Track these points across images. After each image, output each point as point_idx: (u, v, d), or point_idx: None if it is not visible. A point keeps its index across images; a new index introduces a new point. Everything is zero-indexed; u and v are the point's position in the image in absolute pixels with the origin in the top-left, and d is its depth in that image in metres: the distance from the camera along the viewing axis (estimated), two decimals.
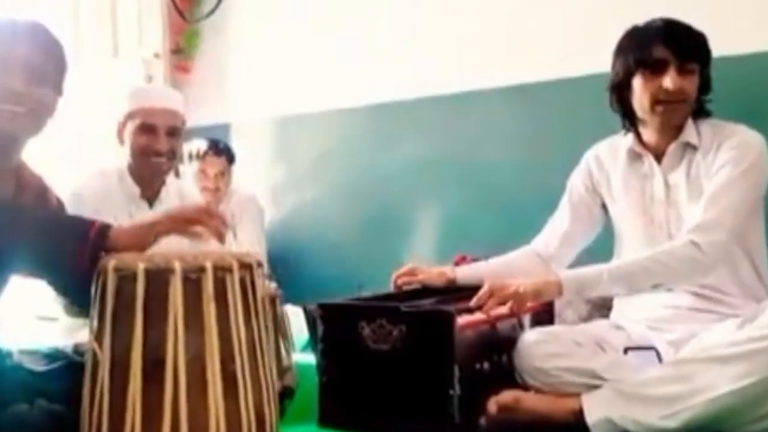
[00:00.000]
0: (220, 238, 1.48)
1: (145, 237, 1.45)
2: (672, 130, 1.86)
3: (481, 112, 2.89)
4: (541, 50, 2.72)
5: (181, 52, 3.66)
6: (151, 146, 2.10)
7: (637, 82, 1.83)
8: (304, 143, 3.37)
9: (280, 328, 1.67)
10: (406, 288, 2.05)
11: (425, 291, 2.02)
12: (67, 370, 1.47)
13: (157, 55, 3.58)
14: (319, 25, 3.30)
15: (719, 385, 1.54)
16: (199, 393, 1.22)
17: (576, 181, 2.05)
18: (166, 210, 1.72)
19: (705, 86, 1.86)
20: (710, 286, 1.80)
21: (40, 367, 1.51)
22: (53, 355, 1.55)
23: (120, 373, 1.23)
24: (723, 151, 1.78)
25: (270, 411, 1.34)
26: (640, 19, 1.89)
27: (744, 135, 1.80)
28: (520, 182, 2.76)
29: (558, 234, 2.05)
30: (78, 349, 1.55)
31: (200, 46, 3.69)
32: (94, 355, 1.27)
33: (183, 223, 1.48)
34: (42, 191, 1.62)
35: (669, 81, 1.78)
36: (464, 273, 2.09)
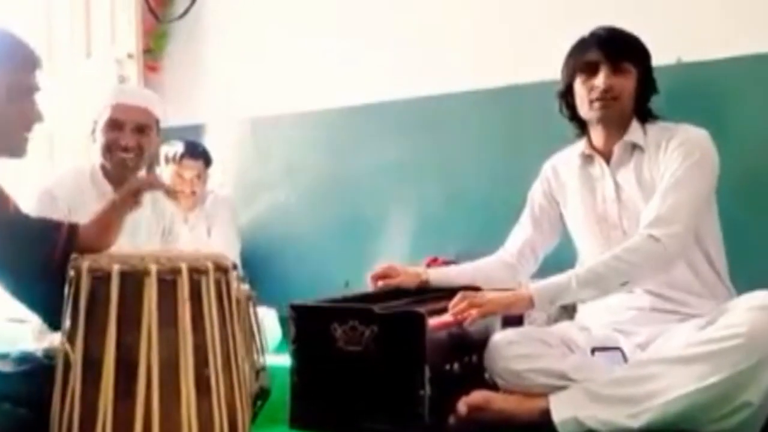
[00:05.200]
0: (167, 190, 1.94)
1: (113, 223, 1.57)
2: (616, 131, 1.92)
3: (455, 114, 2.92)
4: (515, 53, 2.75)
5: (150, 52, 3.65)
6: (117, 141, 2.11)
7: (577, 86, 1.94)
8: (278, 144, 3.37)
9: (253, 329, 1.69)
10: (379, 289, 2.07)
11: (395, 292, 2.03)
12: (36, 374, 1.45)
13: (130, 56, 3.56)
14: (293, 27, 3.31)
15: (682, 384, 1.58)
16: (172, 396, 1.22)
17: (536, 192, 2.12)
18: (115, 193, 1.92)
19: (647, 88, 1.93)
20: (671, 287, 1.84)
21: (7, 369, 1.49)
22: (22, 359, 1.54)
23: (92, 375, 1.23)
24: (670, 149, 1.84)
25: (242, 413, 1.35)
26: (610, 22, 1.96)
27: (689, 132, 1.87)
28: (493, 185, 2.79)
29: (520, 243, 2.11)
30: (48, 353, 1.53)
31: (169, 46, 3.68)
32: (66, 357, 1.27)
33: (134, 193, 1.66)
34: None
35: (599, 79, 1.88)
36: (436, 275, 2.13)
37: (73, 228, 1.49)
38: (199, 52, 3.61)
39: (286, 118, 3.33)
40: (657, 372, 1.63)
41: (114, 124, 2.12)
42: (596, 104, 1.89)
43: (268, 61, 3.35)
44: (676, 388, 1.59)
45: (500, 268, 2.11)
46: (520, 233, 2.12)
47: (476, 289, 1.94)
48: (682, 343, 1.67)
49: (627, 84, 1.88)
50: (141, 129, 2.13)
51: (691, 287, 1.85)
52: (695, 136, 1.85)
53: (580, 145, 2.00)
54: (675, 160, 1.82)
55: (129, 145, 2.11)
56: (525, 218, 2.12)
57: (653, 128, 1.92)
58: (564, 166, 2.06)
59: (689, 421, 1.59)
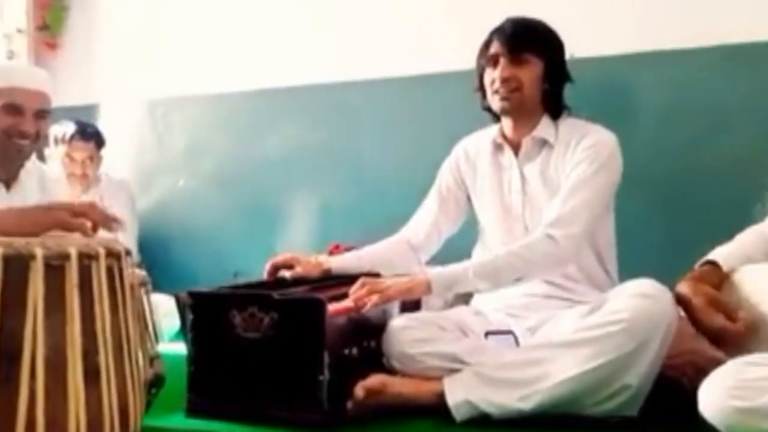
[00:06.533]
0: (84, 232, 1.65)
1: (14, 219, 1.45)
2: (525, 124, 1.98)
3: (358, 102, 2.94)
4: (421, 44, 2.80)
5: (47, 28, 3.48)
6: (17, 127, 2.02)
7: (485, 78, 2.00)
8: (177, 127, 3.30)
9: (148, 316, 1.65)
10: (281, 278, 2.06)
11: (295, 279, 2.03)
12: None
13: (20, 31, 3.39)
14: (196, 6, 3.24)
15: (569, 368, 1.65)
16: (58, 388, 1.17)
17: (445, 172, 2.15)
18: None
19: (554, 80, 1.98)
20: (564, 277, 1.92)
21: None
22: None
23: None
24: (579, 150, 1.90)
25: (134, 403, 1.31)
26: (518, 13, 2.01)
27: (599, 134, 1.93)
28: (395, 172, 2.83)
29: (426, 223, 2.14)
30: None
31: (68, 22, 3.53)
32: None
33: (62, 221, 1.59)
34: None
35: (498, 70, 1.94)
36: (338, 263, 2.12)
37: None
38: (95, 29, 3.48)
39: (186, 100, 3.26)
40: (545, 356, 1.69)
41: (14, 110, 2.03)
42: (497, 95, 1.94)
43: (168, 42, 3.27)
44: (562, 371, 1.65)
45: (402, 252, 2.13)
46: (425, 213, 2.14)
47: (377, 275, 1.96)
48: (570, 329, 1.74)
49: (527, 75, 1.93)
50: (41, 114, 2.07)
51: (579, 277, 1.94)
52: (605, 140, 1.91)
53: (494, 131, 2.04)
54: (582, 162, 1.88)
55: (30, 132, 2.04)
56: (431, 198, 2.15)
57: (565, 124, 1.97)
58: (475, 149, 2.09)
59: (574, 404, 1.66)
